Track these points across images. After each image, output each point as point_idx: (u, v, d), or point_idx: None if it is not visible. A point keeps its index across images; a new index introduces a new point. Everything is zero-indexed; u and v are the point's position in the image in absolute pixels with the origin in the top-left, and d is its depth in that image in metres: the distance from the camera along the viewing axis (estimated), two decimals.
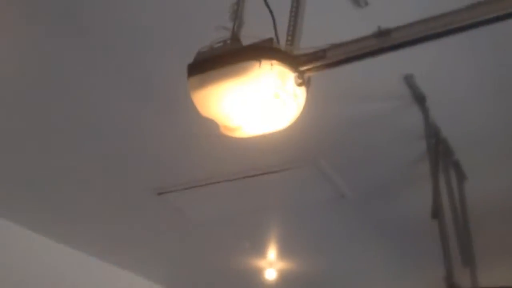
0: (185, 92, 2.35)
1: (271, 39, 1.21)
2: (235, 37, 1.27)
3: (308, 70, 1.22)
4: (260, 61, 1.15)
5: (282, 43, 1.32)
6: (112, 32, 2.11)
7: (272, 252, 4.22)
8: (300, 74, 1.21)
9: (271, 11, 1.30)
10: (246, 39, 1.29)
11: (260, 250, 4.17)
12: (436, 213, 2.28)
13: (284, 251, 4.17)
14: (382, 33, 1.14)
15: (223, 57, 1.21)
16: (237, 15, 1.30)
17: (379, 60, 1.95)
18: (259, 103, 1.19)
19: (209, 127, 2.60)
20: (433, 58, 2.18)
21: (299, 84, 1.22)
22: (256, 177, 3.12)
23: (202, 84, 1.23)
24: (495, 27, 2.00)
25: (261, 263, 4.35)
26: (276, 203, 3.46)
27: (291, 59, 1.20)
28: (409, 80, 2.31)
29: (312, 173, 3.03)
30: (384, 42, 1.14)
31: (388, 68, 2.26)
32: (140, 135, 2.80)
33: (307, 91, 1.26)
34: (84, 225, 3.81)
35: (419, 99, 2.41)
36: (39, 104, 2.56)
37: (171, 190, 3.33)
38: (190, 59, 1.37)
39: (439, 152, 2.56)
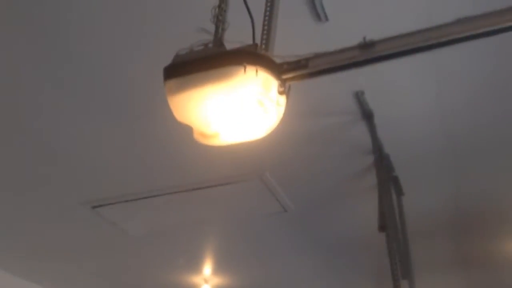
0: (128, 103, 2.29)
1: (255, 45, 1.18)
2: (218, 40, 1.22)
3: (290, 78, 1.20)
4: (245, 67, 1.11)
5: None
6: (67, 31, 1.96)
7: (208, 268, 4.14)
8: (283, 82, 1.19)
9: (251, 16, 1.27)
10: (228, 44, 1.24)
11: (196, 266, 4.08)
12: (384, 226, 2.33)
13: (221, 267, 4.10)
14: (366, 45, 1.14)
15: (205, 60, 1.15)
16: (220, 18, 1.25)
17: (331, 76, 1.99)
18: (241, 110, 1.15)
19: (150, 139, 2.55)
20: (383, 76, 2.25)
21: (281, 93, 1.20)
22: (199, 190, 3.05)
23: (180, 88, 1.16)
24: (440, 52, 2.12)
25: (196, 279, 4.25)
26: (216, 217, 3.40)
27: (275, 67, 1.17)
28: (359, 97, 2.37)
29: (257, 186, 3.01)
30: (367, 54, 1.14)
31: (339, 84, 2.30)
32: (75, 146, 2.63)
33: (287, 100, 1.24)
34: (13, 243, 3.51)
35: (367, 115, 2.48)
36: None
37: (106, 203, 3.17)
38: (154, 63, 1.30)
39: (382, 167, 2.65)
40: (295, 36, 2.00)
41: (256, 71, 1.12)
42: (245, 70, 1.12)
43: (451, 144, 2.70)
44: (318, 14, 1.96)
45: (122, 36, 1.99)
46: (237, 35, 1.27)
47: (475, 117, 2.50)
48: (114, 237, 3.52)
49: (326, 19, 1.97)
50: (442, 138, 2.64)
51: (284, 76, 1.18)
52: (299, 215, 3.26)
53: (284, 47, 1.41)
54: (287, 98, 1.23)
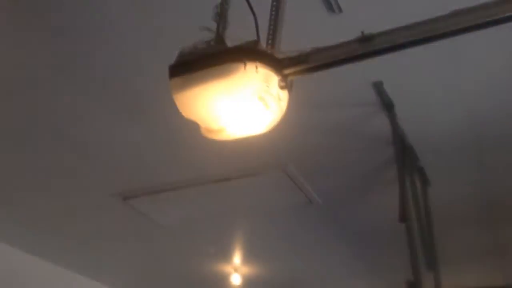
0: (153, 97, 2.37)
1: (255, 41, 1.21)
2: (219, 38, 1.26)
3: (292, 73, 1.22)
4: (245, 63, 1.15)
5: (263, 46, 1.32)
6: (82, 33, 2.05)
7: (237, 257, 4.21)
8: (284, 78, 1.21)
9: (254, 13, 1.30)
10: (229, 41, 1.28)
11: (225, 255, 4.16)
12: (404, 217, 2.33)
13: (250, 256, 4.16)
14: (365, 38, 1.15)
15: (207, 58, 1.19)
16: (221, 16, 1.29)
17: (349, 66, 2.00)
18: (243, 105, 1.19)
19: (177, 132, 2.62)
20: (402, 66, 2.23)
21: (282, 88, 1.23)
22: (224, 182, 3.11)
23: (185, 86, 1.21)
24: (455, 39, 2.09)
25: (226, 268, 4.33)
26: (243, 208, 3.45)
27: (276, 62, 1.20)
28: (378, 87, 2.36)
29: (281, 178, 3.04)
30: (367, 47, 1.16)
31: (358, 75, 2.30)
32: (106, 140, 2.74)
33: (290, 95, 1.27)
34: (48, 232, 3.68)
35: (387, 106, 2.46)
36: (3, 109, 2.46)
37: (137, 195, 3.27)
38: (163, 61, 1.35)
39: (405, 158, 2.63)
40: (309, 29, 2.02)
41: (256, 67, 1.16)
42: (245, 67, 1.15)
43: (476, 132, 2.64)
44: (331, 5, 1.96)
45: (137, 37, 2.06)
46: (247, 32, 1.30)
47: (499, 104, 2.44)
48: (145, 228, 3.63)
49: (340, 10, 1.98)
50: (466, 127, 2.60)
51: (285, 71, 1.21)
52: (324, 206, 3.27)
53: (298, 40, 1.44)
54: (290, 92, 1.26)
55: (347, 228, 3.55)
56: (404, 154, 2.62)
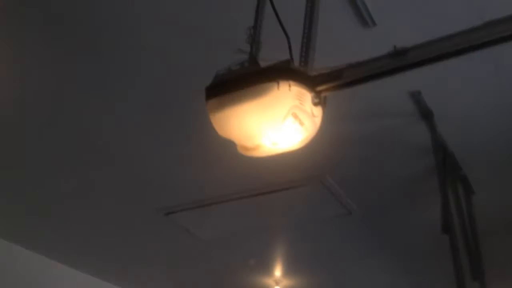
0: (193, 114, 2.43)
1: (288, 61, 1.24)
2: (253, 59, 1.29)
3: (325, 90, 1.24)
4: (278, 82, 1.17)
5: (297, 64, 1.34)
6: (123, 52, 2.13)
7: (278, 270, 4.20)
8: (317, 94, 1.23)
9: (286, 34, 1.33)
10: (263, 61, 1.31)
11: (266, 268, 4.16)
12: (447, 228, 2.28)
13: (291, 269, 4.15)
14: (397, 53, 1.16)
15: (242, 79, 1.23)
16: (254, 38, 1.32)
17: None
18: (277, 123, 1.21)
19: (216, 147, 2.67)
20: (439, 74, 2.21)
21: (316, 104, 1.24)
22: (263, 195, 3.13)
23: (220, 106, 1.25)
24: (497, 47, 2.04)
25: (267, 281, 4.33)
26: (283, 221, 3.46)
27: (308, 80, 1.22)
28: (416, 97, 2.34)
29: (319, 190, 3.04)
30: (400, 61, 1.16)
31: (395, 85, 2.28)
32: (147, 156, 2.82)
33: (323, 111, 1.28)
34: (92, 248, 3.80)
35: (426, 115, 2.43)
36: (48, 127, 2.58)
37: (179, 210, 3.34)
38: (200, 82, 1.40)
39: (446, 167, 2.58)
40: (343, 44, 2.03)
41: (289, 85, 1.18)
42: (278, 86, 1.18)
43: None
44: (364, 19, 1.97)
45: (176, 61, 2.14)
46: (280, 51, 1.33)
47: None
48: (186, 242, 3.69)
49: (374, 24, 1.98)
50: (508, 132, 2.53)
51: (318, 88, 1.23)
52: (364, 218, 3.24)
53: (332, 56, 1.46)
54: (323, 108, 1.27)
55: (388, 240, 3.49)
56: (445, 163, 2.57)
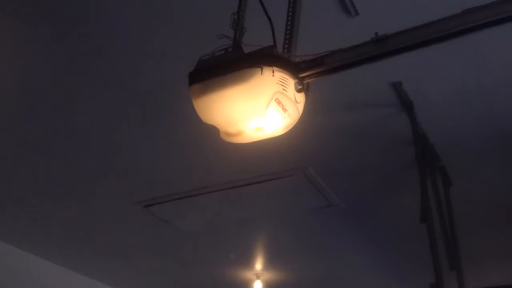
0: (174, 103, 2.42)
1: (271, 46, 1.24)
2: (236, 44, 1.29)
3: (308, 76, 1.25)
4: (262, 68, 1.18)
5: (280, 51, 1.35)
6: (107, 39, 2.11)
7: (259, 263, 4.21)
8: (300, 81, 1.24)
9: (270, 20, 1.33)
10: (246, 47, 1.31)
11: (247, 261, 4.17)
12: (425, 217, 2.32)
13: (272, 262, 4.17)
14: (379, 39, 1.17)
15: (225, 64, 1.23)
16: (238, 23, 1.32)
17: (367, 68, 2.00)
18: (261, 109, 1.21)
19: (197, 138, 2.66)
20: (420, 65, 2.23)
21: (299, 90, 1.25)
22: (245, 187, 3.13)
23: (204, 92, 1.25)
24: (476, 36, 2.07)
25: (248, 274, 4.34)
26: (264, 213, 3.47)
27: (291, 66, 1.23)
28: (397, 88, 2.37)
29: (301, 182, 3.05)
30: (381, 48, 1.17)
31: (377, 76, 2.31)
32: (126, 147, 2.79)
33: (307, 97, 1.29)
34: (68, 238, 3.76)
35: (407, 106, 2.46)
36: (20, 116, 2.54)
37: (158, 202, 3.32)
38: (183, 69, 1.39)
39: (426, 158, 2.62)
40: (326, 32, 2.04)
41: (273, 71, 1.19)
42: (262, 71, 1.18)
43: (498, 129, 2.61)
44: (348, 8, 1.98)
45: (157, 44, 2.12)
46: (264, 38, 1.33)
47: None
48: (166, 234, 3.68)
49: (356, 13, 1.99)
50: (488, 124, 2.57)
51: (301, 75, 1.24)
52: (345, 209, 3.27)
53: (317, 42, 1.47)
54: (307, 95, 1.28)
55: (369, 230, 3.54)
56: (425, 154, 2.61)
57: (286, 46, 1.36)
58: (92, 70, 2.26)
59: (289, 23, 1.40)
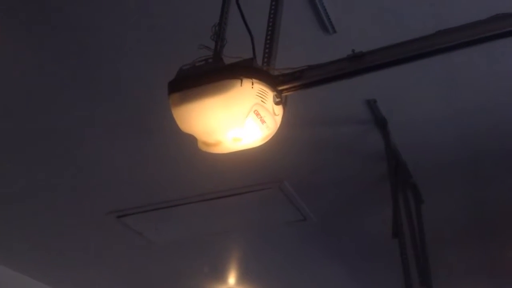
0: (150, 112, 2.42)
1: (251, 59, 1.27)
2: (217, 56, 1.31)
3: (286, 89, 1.28)
4: (241, 80, 1.20)
5: (260, 63, 1.37)
6: (83, 49, 2.10)
7: (232, 277, 4.19)
8: (279, 93, 1.27)
9: (250, 33, 1.36)
10: (227, 59, 1.33)
11: (220, 275, 4.15)
12: (396, 232, 2.36)
13: (245, 276, 4.15)
14: (355, 56, 1.21)
15: (205, 75, 1.25)
16: (219, 35, 1.34)
17: (343, 84, 2.05)
18: (239, 120, 1.23)
19: (173, 149, 2.66)
20: (395, 83, 2.30)
21: (277, 103, 1.28)
22: (219, 199, 3.13)
23: (183, 101, 1.26)
24: (450, 55, 2.14)
25: None
26: (237, 226, 3.47)
27: (270, 79, 1.26)
28: (371, 105, 2.42)
29: (275, 195, 3.07)
30: (357, 65, 1.21)
31: (352, 93, 2.36)
32: (99, 157, 2.76)
33: (284, 110, 1.32)
34: (39, 249, 3.67)
35: (381, 123, 2.52)
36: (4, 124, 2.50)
37: (131, 212, 3.28)
38: (162, 79, 1.40)
39: (398, 175, 2.67)
40: (304, 48, 2.09)
41: (252, 83, 1.21)
42: (241, 83, 1.20)
43: (469, 149, 2.69)
44: (325, 26, 2.03)
45: (138, 53, 2.12)
46: (244, 50, 1.36)
47: (491, 120, 2.49)
48: (139, 246, 3.63)
49: (334, 31, 2.05)
50: (459, 143, 2.65)
51: (280, 88, 1.26)
52: (318, 223, 3.30)
53: (293, 59, 1.50)
54: (284, 108, 1.31)
55: (342, 245, 3.57)
56: (397, 171, 2.67)
57: (265, 59, 1.39)
58: (71, 76, 2.24)
59: (268, 37, 1.43)
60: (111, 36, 2.05)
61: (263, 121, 1.25)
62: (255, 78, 1.22)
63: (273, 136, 1.37)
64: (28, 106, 2.41)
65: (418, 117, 2.51)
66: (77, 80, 2.26)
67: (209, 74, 1.25)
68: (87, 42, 2.08)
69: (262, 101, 1.23)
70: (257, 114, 1.23)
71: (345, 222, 3.31)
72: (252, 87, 1.21)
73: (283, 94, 1.28)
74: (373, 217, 3.16)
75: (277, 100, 1.27)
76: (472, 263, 3.67)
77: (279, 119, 1.29)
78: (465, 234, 3.35)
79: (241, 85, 1.20)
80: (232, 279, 4.20)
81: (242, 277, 4.16)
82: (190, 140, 1.45)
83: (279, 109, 1.28)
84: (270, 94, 1.25)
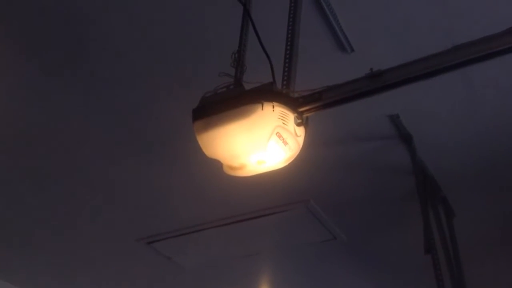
0: (177, 141, 2.47)
1: (271, 83, 1.30)
2: (237, 82, 1.35)
3: (306, 111, 1.30)
4: (262, 104, 1.23)
5: (279, 87, 1.40)
6: (107, 78, 2.18)
7: None
8: (299, 115, 1.29)
9: (269, 58, 1.39)
10: (247, 84, 1.37)
11: None
12: (429, 248, 2.33)
13: None
14: (374, 75, 1.23)
15: (227, 101, 1.29)
16: (239, 61, 1.39)
17: (364, 102, 2.06)
18: (262, 143, 1.26)
19: (198, 174, 2.70)
20: (417, 98, 2.30)
21: (299, 124, 1.30)
22: (247, 221, 3.14)
23: (207, 127, 1.30)
24: (472, 69, 2.13)
25: None
26: (266, 247, 3.46)
27: (291, 101, 1.28)
28: (394, 120, 2.42)
29: (304, 215, 3.06)
30: (376, 83, 1.23)
31: (373, 109, 2.37)
32: (128, 184, 2.82)
33: (306, 131, 1.34)
34: (70, 277, 3.73)
35: (406, 138, 2.51)
36: (24, 149, 2.57)
37: (161, 238, 3.32)
38: (187, 108, 1.44)
39: (426, 189, 2.64)
40: (323, 68, 2.11)
41: (273, 106, 1.24)
42: (262, 107, 1.23)
43: (497, 158, 2.64)
44: (343, 46, 2.06)
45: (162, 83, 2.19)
46: (263, 75, 1.39)
47: None
48: (169, 271, 3.66)
49: (352, 50, 2.07)
50: (486, 155, 2.61)
51: (300, 109, 1.29)
52: (349, 242, 3.27)
53: (313, 80, 1.52)
54: (306, 128, 1.33)
55: (372, 263, 3.52)
56: (425, 185, 2.64)
57: (284, 82, 1.42)
58: (98, 106, 2.31)
59: (287, 60, 1.46)
60: (135, 71, 2.12)
61: (285, 143, 1.28)
62: (276, 101, 1.25)
63: (297, 156, 1.39)
64: (55, 138, 2.49)
65: (443, 130, 2.49)
66: (103, 109, 2.33)
67: (230, 100, 1.28)
68: (112, 67, 2.15)
69: (283, 123, 1.25)
70: (279, 136, 1.26)
71: (375, 239, 3.27)
72: (273, 110, 1.24)
73: (304, 116, 1.30)
74: (403, 233, 3.12)
75: (298, 121, 1.29)
76: (507, 277, 3.56)
77: (301, 140, 1.31)
78: (499, 247, 3.26)
79: (262, 109, 1.24)
80: None
81: None
82: (215, 165, 1.48)
83: (300, 130, 1.30)
84: (291, 116, 1.27)
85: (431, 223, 2.46)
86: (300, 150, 1.35)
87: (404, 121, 2.42)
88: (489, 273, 3.49)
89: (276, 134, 1.25)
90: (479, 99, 2.31)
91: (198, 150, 1.37)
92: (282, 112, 1.25)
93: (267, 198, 2.93)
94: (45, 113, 2.35)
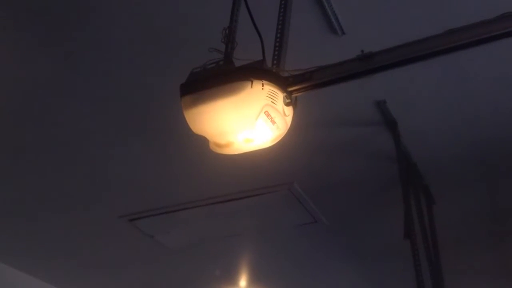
0: (162, 117, 2.44)
1: (261, 61, 1.28)
2: (227, 58, 1.33)
3: (296, 90, 1.29)
4: (252, 81, 1.22)
5: (269, 65, 1.39)
6: (91, 52, 2.13)
7: (244, 279, 4.20)
8: (289, 94, 1.28)
9: (260, 35, 1.38)
10: (237, 61, 1.35)
11: (232, 277, 4.15)
12: (408, 233, 2.36)
13: (257, 278, 4.16)
14: (365, 56, 1.22)
15: (216, 77, 1.27)
16: (229, 38, 1.36)
17: (352, 86, 2.05)
18: (250, 121, 1.25)
19: (183, 153, 2.68)
20: (404, 85, 2.30)
21: (287, 104, 1.29)
22: (230, 202, 3.15)
23: (195, 103, 1.28)
24: (459, 57, 2.13)
25: None
26: (248, 228, 3.48)
27: (280, 80, 1.27)
28: (381, 106, 2.42)
29: (287, 198, 3.08)
30: (367, 65, 1.22)
31: (361, 94, 2.36)
32: (111, 160, 2.80)
33: (295, 111, 1.33)
34: (52, 253, 3.71)
35: (391, 124, 2.52)
36: (10, 123, 2.53)
37: (143, 216, 3.31)
38: (174, 82, 1.42)
39: (409, 176, 2.67)
40: (313, 50, 2.10)
41: (262, 85, 1.23)
42: (252, 85, 1.22)
43: (480, 148, 2.68)
44: (334, 28, 2.05)
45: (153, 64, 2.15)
46: (254, 53, 1.38)
47: (503, 119, 2.48)
48: (151, 249, 3.65)
49: (343, 32, 2.06)
50: (469, 145, 2.64)
51: (290, 89, 1.28)
52: (330, 226, 3.30)
53: (302, 60, 1.51)
54: (294, 108, 1.32)
55: (353, 247, 3.56)
56: (408, 172, 2.66)
57: (275, 61, 1.40)
58: (83, 81, 2.27)
59: (278, 39, 1.45)
60: (121, 40, 2.08)
61: (273, 122, 1.27)
62: (265, 79, 1.24)
63: (282, 138, 1.39)
64: (41, 114, 2.45)
65: (428, 117, 2.51)
66: (88, 85, 2.29)
67: (220, 76, 1.26)
68: (99, 46, 2.11)
69: (272, 102, 1.24)
70: (268, 115, 1.25)
71: (356, 224, 3.30)
72: (263, 89, 1.23)
73: (293, 95, 1.29)
74: (384, 218, 3.15)
75: (287, 101, 1.28)
76: (484, 264, 3.64)
77: (289, 120, 1.31)
78: (477, 235, 3.33)
79: (251, 87, 1.22)
80: (243, 282, 4.21)
81: (253, 280, 4.17)
82: (201, 142, 1.47)
83: (289, 110, 1.29)
84: (280, 95, 1.26)
85: (411, 210, 2.49)
86: (286, 132, 1.34)
87: (390, 107, 2.43)
88: (467, 260, 3.56)
89: (265, 112, 1.24)
90: (465, 88, 2.32)
91: (183, 127, 1.35)
92: (271, 91, 1.24)
93: (251, 179, 2.93)
94: (32, 85, 2.29)
